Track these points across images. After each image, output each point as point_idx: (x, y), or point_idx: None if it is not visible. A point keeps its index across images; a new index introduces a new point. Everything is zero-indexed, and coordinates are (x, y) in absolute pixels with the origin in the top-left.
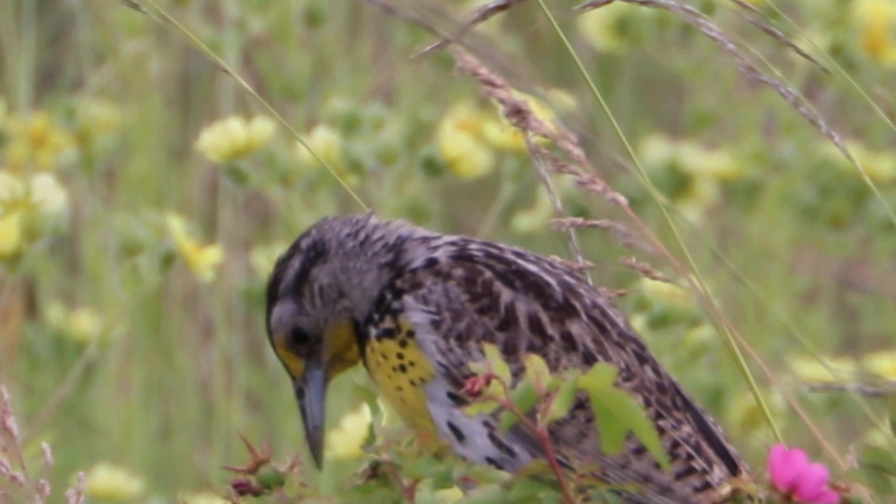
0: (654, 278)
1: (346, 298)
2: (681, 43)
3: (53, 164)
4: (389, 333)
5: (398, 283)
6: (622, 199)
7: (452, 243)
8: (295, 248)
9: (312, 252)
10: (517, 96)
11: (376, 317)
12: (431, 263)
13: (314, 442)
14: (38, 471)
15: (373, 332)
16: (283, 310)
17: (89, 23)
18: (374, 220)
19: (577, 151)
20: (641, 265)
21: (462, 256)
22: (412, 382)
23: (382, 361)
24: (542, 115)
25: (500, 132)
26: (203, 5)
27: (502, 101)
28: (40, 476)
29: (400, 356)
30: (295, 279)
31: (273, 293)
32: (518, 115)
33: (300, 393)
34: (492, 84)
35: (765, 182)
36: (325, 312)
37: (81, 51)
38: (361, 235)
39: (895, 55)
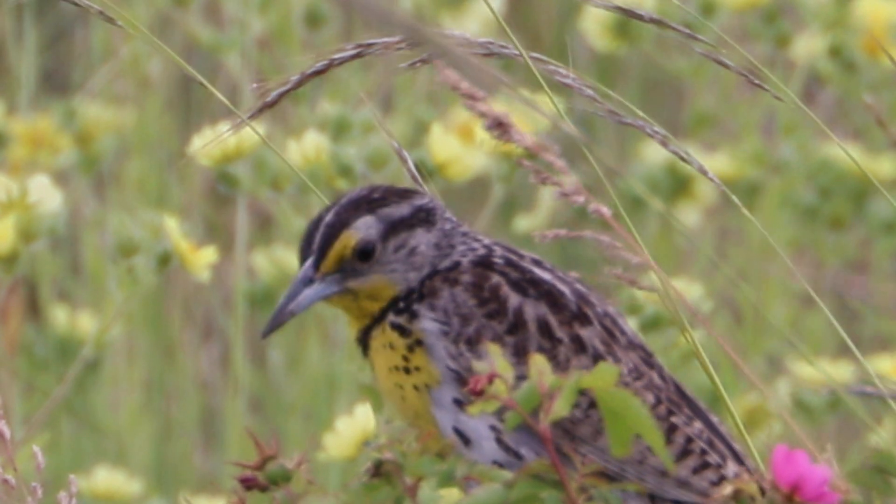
0: (639, 288)
1: (415, 271)
2: (681, 43)
3: (54, 165)
4: (401, 330)
5: (427, 283)
6: (605, 211)
7: (486, 247)
8: (407, 195)
9: (423, 213)
10: (499, 109)
11: (402, 304)
12: (454, 267)
13: (280, 318)
14: (33, 473)
15: (391, 316)
16: (375, 225)
17: (90, 24)
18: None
19: (560, 163)
20: (627, 276)
21: (482, 262)
22: (416, 387)
23: (389, 351)
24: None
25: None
26: (203, 5)
27: (483, 114)
28: (33, 478)
29: (406, 359)
30: (399, 219)
31: (370, 206)
32: (500, 128)
33: (308, 282)
34: (473, 98)
35: (764, 183)
36: (395, 264)
37: (82, 52)
38: (448, 224)
39: (894, 56)
